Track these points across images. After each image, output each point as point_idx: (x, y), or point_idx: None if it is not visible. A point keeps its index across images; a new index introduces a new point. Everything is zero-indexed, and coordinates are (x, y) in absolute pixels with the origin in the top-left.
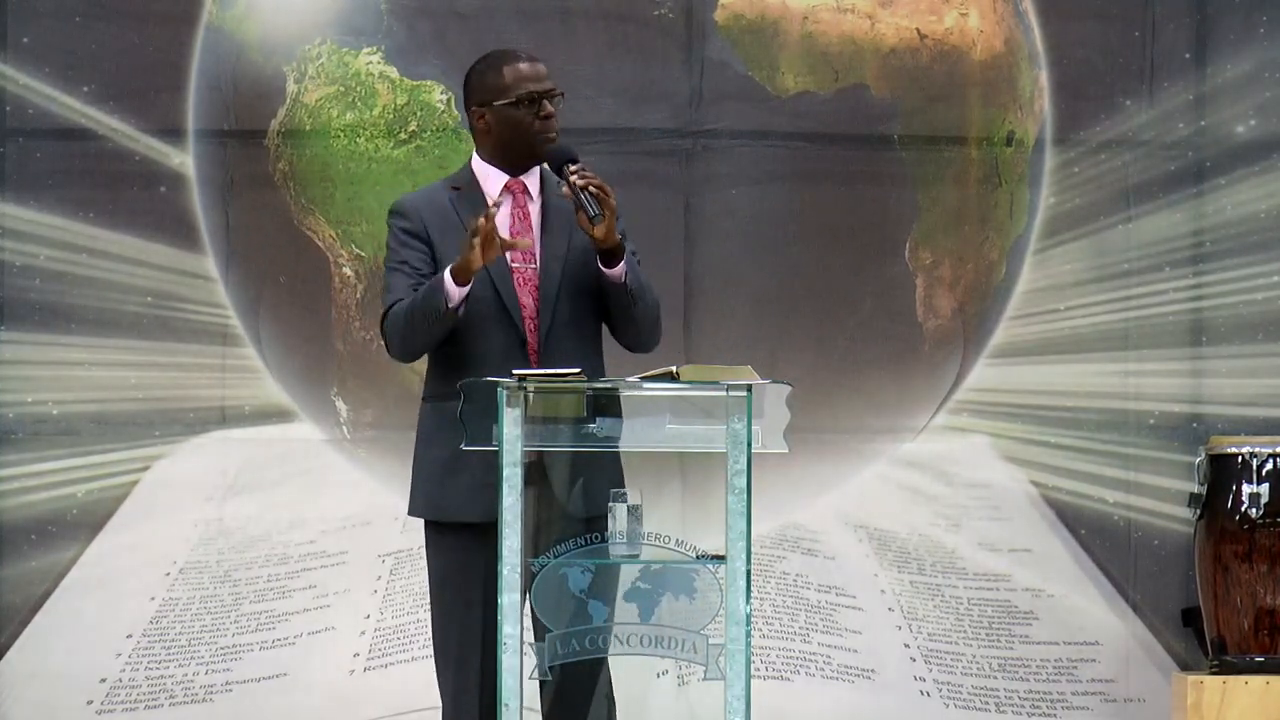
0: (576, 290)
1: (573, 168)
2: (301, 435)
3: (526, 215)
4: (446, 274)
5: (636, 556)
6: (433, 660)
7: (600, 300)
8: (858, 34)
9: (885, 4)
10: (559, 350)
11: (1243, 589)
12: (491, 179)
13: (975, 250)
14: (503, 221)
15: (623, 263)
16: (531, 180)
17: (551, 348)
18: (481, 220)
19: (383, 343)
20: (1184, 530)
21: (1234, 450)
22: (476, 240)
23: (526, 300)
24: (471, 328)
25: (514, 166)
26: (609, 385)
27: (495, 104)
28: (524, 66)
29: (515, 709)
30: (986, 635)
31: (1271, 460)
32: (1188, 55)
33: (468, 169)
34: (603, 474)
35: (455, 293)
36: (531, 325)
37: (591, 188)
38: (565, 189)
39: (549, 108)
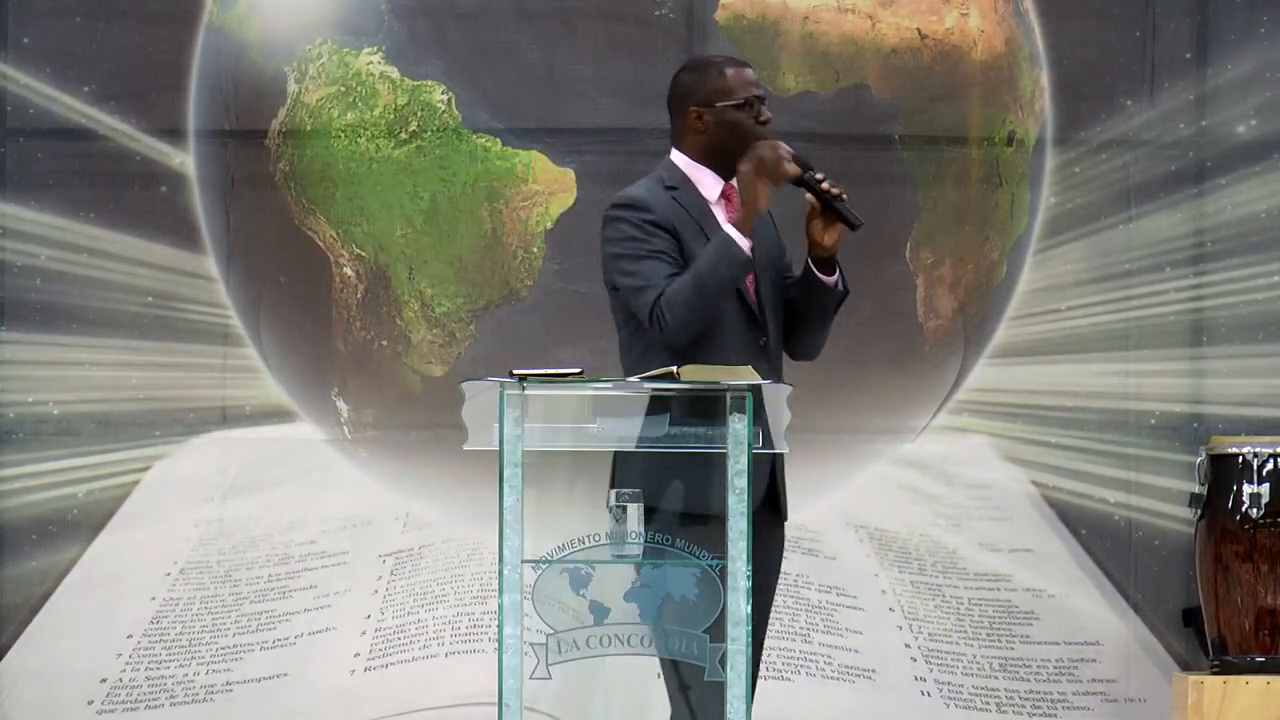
0: (778, 295)
1: (819, 175)
2: (302, 435)
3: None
4: (729, 227)
5: (637, 556)
6: (436, 660)
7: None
8: (858, 34)
9: (886, 4)
10: (775, 347)
11: (1243, 589)
12: (706, 181)
13: (976, 250)
14: (724, 224)
15: (839, 271)
16: (734, 184)
17: (773, 342)
18: (776, 153)
19: (658, 327)
20: (1184, 530)
21: (1234, 450)
22: (769, 171)
23: (753, 302)
24: (715, 326)
25: (725, 169)
26: (609, 385)
27: (718, 105)
28: (745, 72)
29: (515, 709)
30: (987, 635)
31: (1272, 460)
32: (1188, 55)
33: (675, 170)
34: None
35: (745, 241)
36: (760, 319)
37: (844, 195)
38: (809, 196)
39: (767, 113)
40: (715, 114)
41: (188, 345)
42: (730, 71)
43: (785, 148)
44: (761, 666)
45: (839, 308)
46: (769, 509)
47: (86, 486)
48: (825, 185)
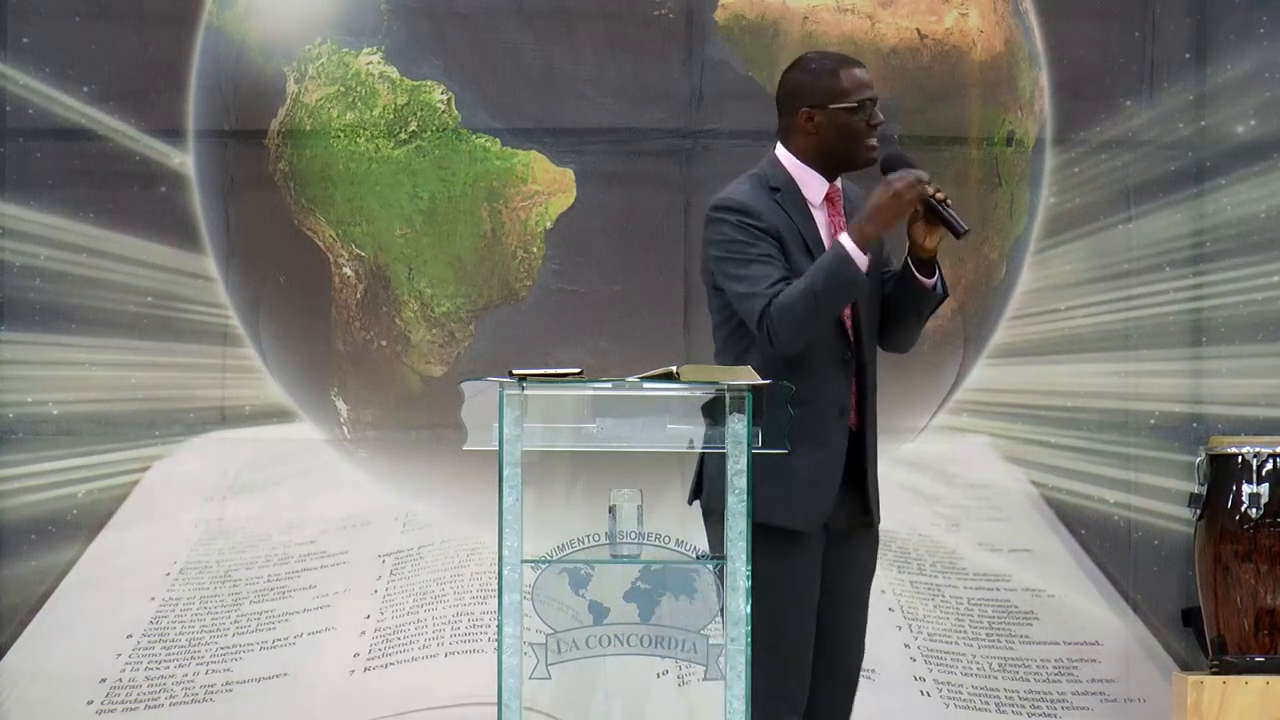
0: (876, 296)
1: (926, 178)
2: (301, 435)
3: (844, 224)
4: (848, 243)
5: (638, 556)
6: (435, 660)
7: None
8: (858, 34)
9: (885, 4)
10: (868, 352)
11: (1243, 589)
12: (812, 184)
13: (975, 250)
14: (824, 229)
15: (939, 273)
16: (838, 184)
17: (865, 350)
18: (918, 180)
19: (769, 336)
20: (1184, 530)
21: (1234, 450)
22: (911, 197)
23: (845, 315)
24: None
25: (832, 170)
26: (609, 385)
27: (831, 106)
28: (859, 73)
29: (515, 709)
30: (986, 635)
31: (1271, 460)
32: (1188, 55)
33: (779, 168)
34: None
35: (862, 259)
36: (852, 329)
37: (950, 201)
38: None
39: (879, 115)
40: (828, 115)
41: (187, 345)
42: (844, 72)
43: (920, 178)
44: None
45: (936, 308)
46: (859, 515)
47: (86, 486)
48: (932, 190)
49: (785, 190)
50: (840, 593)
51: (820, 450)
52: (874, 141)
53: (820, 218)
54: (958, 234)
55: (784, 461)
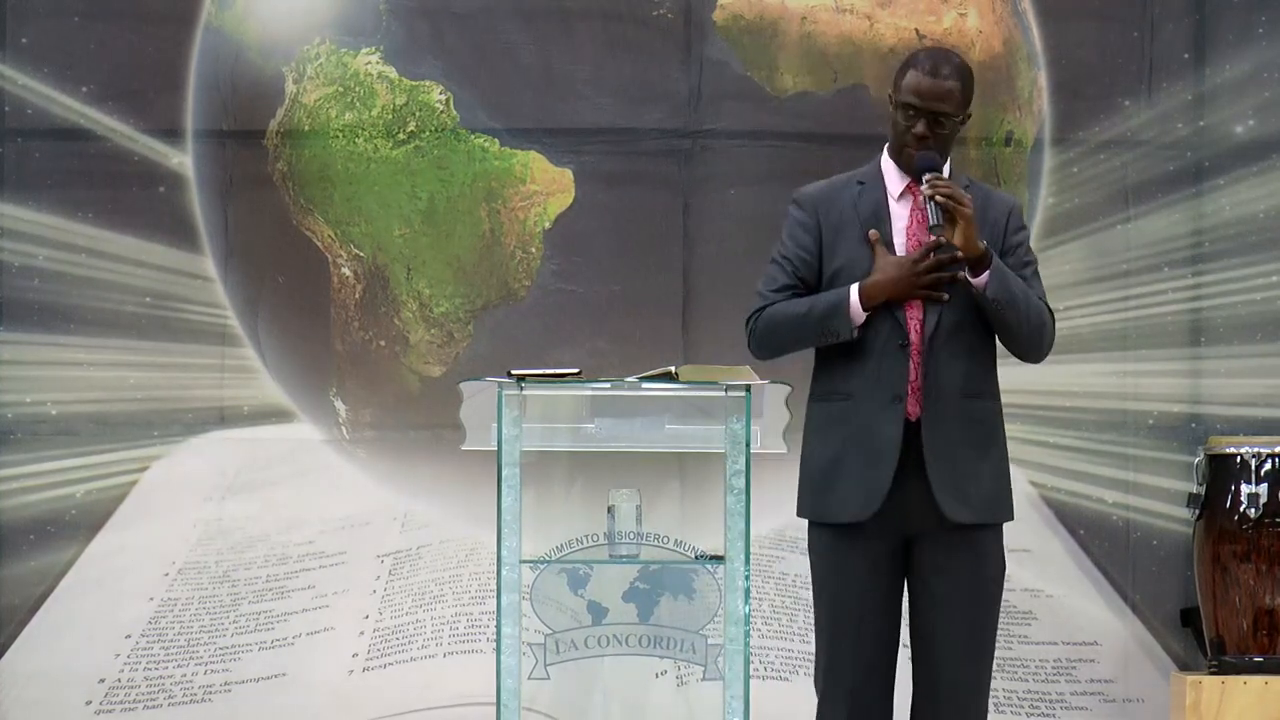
0: (964, 295)
1: (928, 176)
2: (300, 435)
3: (925, 218)
4: (855, 297)
5: (636, 556)
6: (434, 660)
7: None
8: (856, 34)
9: (884, 4)
10: (942, 352)
11: (1241, 589)
12: (894, 177)
13: None
14: (901, 222)
15: (987, 272)
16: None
17: (934, 348)
18: (923, 256)
19: (748, 336)
20: (1183, 530)
21: (1233, 450)
22: (919, 276)
23: (913, 301)
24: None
25: (900, 164)
26: (607, 385)
27: (891, 95)
28: (921, 80)
29: (513, 709)
30: None
31: (1270, 460)
32: (1187, 55)
33: (876, 162)
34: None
35: (859, 319)
36: (916, 325)
37: (938, 197)
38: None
39: (921, 129)
40: (892, 105)
41: (186, 345)
42: (910, 71)
43: (934, 275)
44: (760, 666)
45: (997, 308)
46: (928, 516)
47: (85, 487)
48: (925, 187)
49: (870, 183)
50: (926, 599)
51: (868, 441)
52: (912, 150)
53: (900, 210)
54: (930, 228)
55: (832, 455)
